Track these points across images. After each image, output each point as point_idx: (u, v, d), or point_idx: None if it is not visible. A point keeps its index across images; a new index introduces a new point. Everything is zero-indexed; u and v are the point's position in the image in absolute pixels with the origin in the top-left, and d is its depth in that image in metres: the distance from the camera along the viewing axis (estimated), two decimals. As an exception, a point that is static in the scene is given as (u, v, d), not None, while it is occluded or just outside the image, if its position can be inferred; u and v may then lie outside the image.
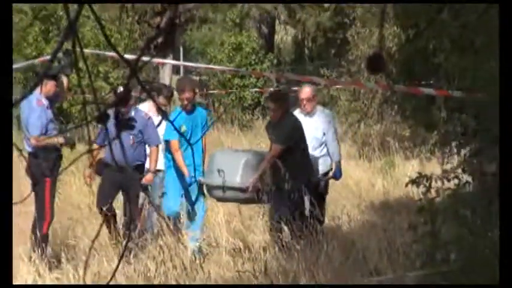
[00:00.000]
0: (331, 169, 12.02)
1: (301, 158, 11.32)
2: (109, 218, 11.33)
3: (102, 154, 11.73)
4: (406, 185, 6.43)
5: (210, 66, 28.07)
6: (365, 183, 16.96)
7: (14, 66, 24.48)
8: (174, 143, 11.62)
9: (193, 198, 11.86)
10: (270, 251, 10.87)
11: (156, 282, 9.66)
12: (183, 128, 11.60)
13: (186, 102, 11.66)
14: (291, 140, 11.18)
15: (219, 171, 11.21)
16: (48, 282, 9.90)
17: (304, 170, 11.35)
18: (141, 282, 9.80)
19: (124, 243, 10.75)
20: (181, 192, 11.84)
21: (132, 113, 11.54)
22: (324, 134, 11.98)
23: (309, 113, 11.94)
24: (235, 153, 11.93)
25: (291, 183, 11.09)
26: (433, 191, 5.90)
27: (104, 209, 11.36)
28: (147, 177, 11.75)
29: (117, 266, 10.44)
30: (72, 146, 11.33)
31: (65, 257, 10.90)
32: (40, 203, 11.06)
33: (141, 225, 11.65)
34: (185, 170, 11.58)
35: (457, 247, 5.27)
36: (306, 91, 12.10)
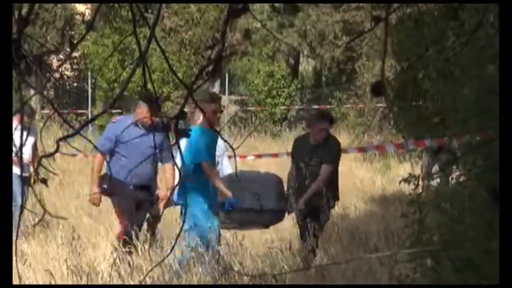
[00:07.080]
0: None
1: (336, 177, 9.50)
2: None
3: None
4: (400, 183, 6.37)
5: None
6: (367, 181, 16.90)
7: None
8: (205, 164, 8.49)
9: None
10: (293, 233, 10.82)
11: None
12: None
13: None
14: (338, 160, 9.39)
15: (253, 194, 8.77)
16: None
17: (337, 187, 9.57)
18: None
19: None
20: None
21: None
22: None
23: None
24: (258, 176, 9.27)
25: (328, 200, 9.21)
26: (420, 187, 5.85)
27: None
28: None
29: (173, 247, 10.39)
30: None
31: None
32: None
33: None
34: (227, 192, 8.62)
35: (438, 232, 5.24)
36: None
